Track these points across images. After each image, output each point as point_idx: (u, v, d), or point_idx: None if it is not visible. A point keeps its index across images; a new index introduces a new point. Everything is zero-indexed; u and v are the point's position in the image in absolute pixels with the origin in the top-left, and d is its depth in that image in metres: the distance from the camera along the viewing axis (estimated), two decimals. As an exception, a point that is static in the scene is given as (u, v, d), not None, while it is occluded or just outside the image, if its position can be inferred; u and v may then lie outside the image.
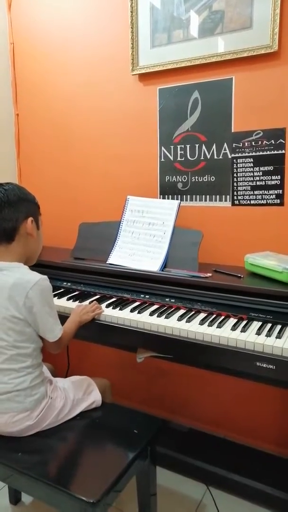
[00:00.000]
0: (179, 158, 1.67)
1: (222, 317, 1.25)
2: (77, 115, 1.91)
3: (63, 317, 1.24)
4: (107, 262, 1.55)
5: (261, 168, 1.53)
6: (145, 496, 1.22)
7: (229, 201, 1.61)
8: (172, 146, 1.68)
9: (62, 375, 1.42)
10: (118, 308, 1.33)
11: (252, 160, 1.54)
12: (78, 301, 1.41)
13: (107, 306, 1.36)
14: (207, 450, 1.61)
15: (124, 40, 1.71)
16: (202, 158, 1.63)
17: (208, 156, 1.62)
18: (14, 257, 1.12)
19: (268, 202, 1.54)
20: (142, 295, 1.41)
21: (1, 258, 1.12)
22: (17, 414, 1.10)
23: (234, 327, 1.17)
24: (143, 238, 1.54)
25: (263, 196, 1.54)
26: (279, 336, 1.11)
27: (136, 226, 1.57)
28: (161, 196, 1.73)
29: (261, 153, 1.52)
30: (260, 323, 1.19)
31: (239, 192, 1.59)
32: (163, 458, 1.59)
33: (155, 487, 1.24)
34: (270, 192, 1.53)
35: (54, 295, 1.48)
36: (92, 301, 1.39)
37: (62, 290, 1.54)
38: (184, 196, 1.68)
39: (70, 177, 1.98)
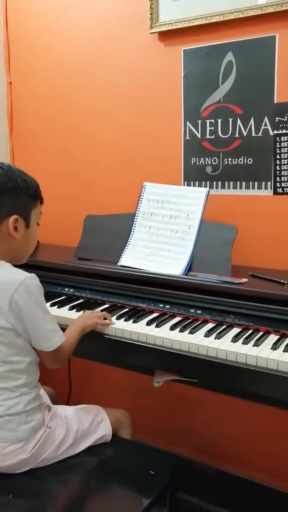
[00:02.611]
0: (208, 136, 1.67)
1: (261, 333, 1.24)
2: (82, 84, 1.93)
3: (64, 330, 1.25)
4: (118, 264, 1.56)
5: (311, 148, 1.52)
6: None
7: (271, 189, 1.60)
8: (199, 121, 1.68)
9: (63, 402, 1.44)
10: (132, 320, 1.34)
11: (299, 137, 1.53)
12: (83, 311, 1.42)
13: (118, 317, 1.36)
14: (240, 499, 1.60)
15: (141, -9, 1.72)
16: (236, 135, 1.63)
17: (245, 133, 1.61)
18: None
19: None
20: (161, 305, 1.42)
21: None
22: (9, 445, 1.12)
23: (275, 346, 1.16)
24: (163, 235, 1.54)
25: (314, 182, 1.54)
26: None
27: (154, 220, 1.57)
28: (186, 182, 1.73)
29: (311, 129, 1.51)
30: (308, 341, 1.19)
31: (283, 177, 1.57)
32: (185, 507, 1.59)
33: None
34: None
35: (54, 304, 1.50)
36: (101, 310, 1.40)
37: (63, 297, 1.55)
38: (214, 182, 1.68)
39: (74, 159, 2.00)
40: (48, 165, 2.06)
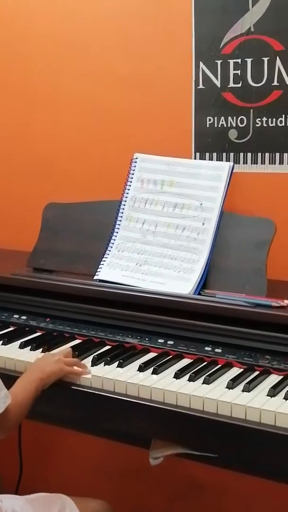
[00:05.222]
0: (232, 84, 1.67)
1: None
2: (43, 7, 1.94)
3: (13, 379, 1.25)
4: (94, 278, 1.56)
5: None
6: None
7: None
8: (219, 62, 1.68)
9: (10, 489, 1.42)
10: (116, 363, 1.33)
11: None
12: (41, 349, 1.42)
13: (96, 360, 1.35)
14: None
15: None
16: (275, 83, 1.63)
17: (287, 80, 1.62)
18: None
19: None
20: (161, 340, 1.41)
21: None
22: None
23: None
24: (164, 233, 1.54)
25: None
26: None
27: (150, 211, 1.57)
28: (198, 154, 1.74)
29: None
30: None
31: None
32: None
33: None
34: None
35: (-3, 338, 1.50)
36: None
37: (11, 328, 1.55)
38: (241, 154, 1.68)
39: (32, 119, 2.00)
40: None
